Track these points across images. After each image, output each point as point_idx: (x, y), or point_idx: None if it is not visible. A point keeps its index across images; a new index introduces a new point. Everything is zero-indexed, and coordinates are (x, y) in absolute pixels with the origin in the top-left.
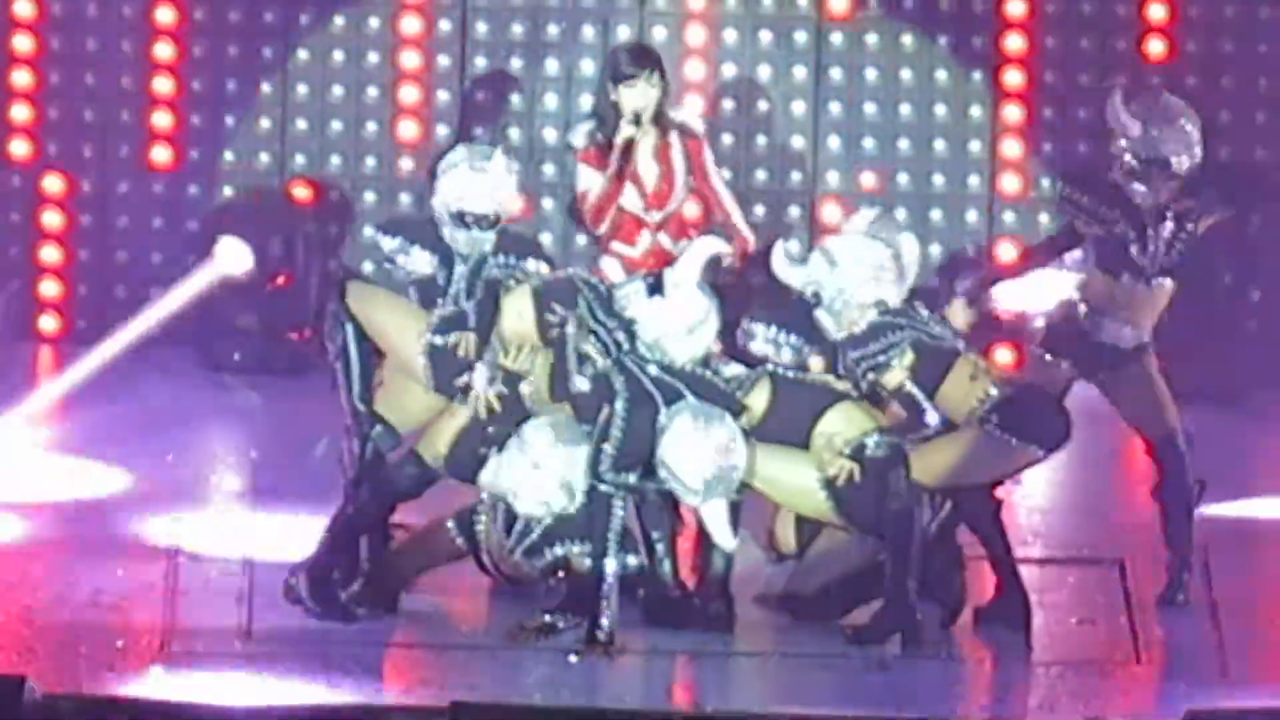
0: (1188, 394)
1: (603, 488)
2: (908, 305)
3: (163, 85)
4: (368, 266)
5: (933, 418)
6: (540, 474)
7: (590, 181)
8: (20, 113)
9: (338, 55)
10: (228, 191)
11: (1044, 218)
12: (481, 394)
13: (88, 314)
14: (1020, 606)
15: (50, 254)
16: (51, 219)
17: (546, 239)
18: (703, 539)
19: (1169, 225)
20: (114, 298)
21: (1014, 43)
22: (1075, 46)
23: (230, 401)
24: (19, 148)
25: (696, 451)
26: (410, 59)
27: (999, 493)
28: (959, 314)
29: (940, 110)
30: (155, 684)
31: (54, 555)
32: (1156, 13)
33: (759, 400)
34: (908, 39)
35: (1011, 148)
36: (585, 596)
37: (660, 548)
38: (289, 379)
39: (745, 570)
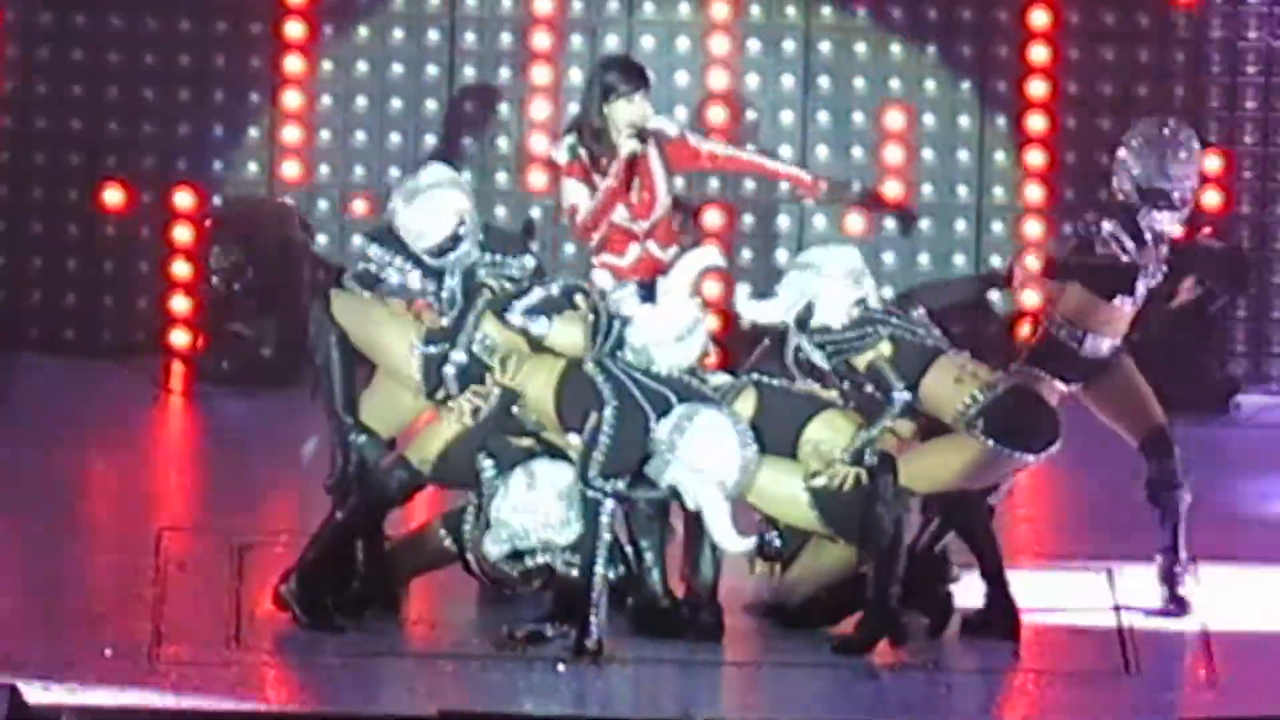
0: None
1: (591, 494)
2: (890, 304)
3: None
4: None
5: (900, 396)
6: (545, 512)
7: (577, 195)
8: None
9: (326, 65)
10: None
11: (1034, 227)
12: (455, 392)
13: None
14: (1009, 615)
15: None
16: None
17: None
18: (691, 548)
19: (1164, 252)
20: None
21: (1003, 52)
22: (1068, 55)
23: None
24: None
25: (729, 440)
26: (399, 69)
27: (990, 500)
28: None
29: (929, 120)
30: (144, 693)
31: (46, 560)
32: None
33: (744, 409)
34: (896, 48)
35: (1000, 158)
36: (574, 605)
37: (649, 556)
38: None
39: (734, 580)
